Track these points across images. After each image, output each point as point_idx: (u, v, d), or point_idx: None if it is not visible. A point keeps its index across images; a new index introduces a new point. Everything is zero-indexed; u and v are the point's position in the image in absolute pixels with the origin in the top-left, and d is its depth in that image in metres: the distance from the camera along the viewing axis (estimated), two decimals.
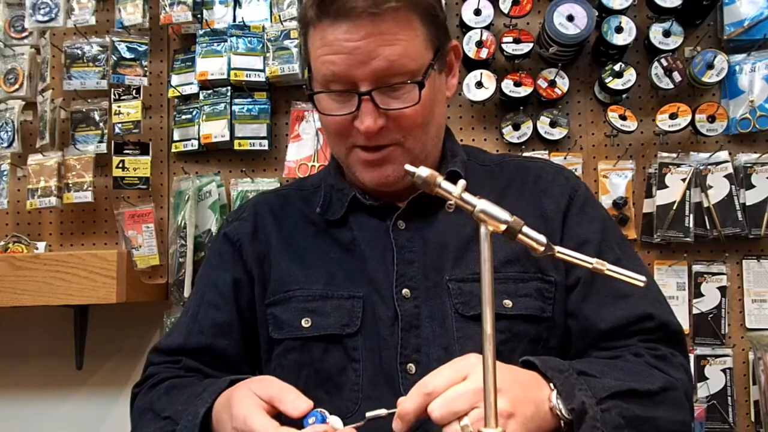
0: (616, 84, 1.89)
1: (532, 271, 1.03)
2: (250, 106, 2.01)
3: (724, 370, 1.90)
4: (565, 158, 1.95)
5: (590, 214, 1.09)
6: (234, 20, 2.04)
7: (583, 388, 0.84)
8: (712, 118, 1.89)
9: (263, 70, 1.98)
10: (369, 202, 1.08)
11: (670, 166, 1.91)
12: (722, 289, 1.92)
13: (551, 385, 0.84)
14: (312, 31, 0.99)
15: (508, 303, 1.00)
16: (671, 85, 1.89)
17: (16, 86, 2.06)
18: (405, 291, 1.02)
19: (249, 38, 2.00)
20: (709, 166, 1.92)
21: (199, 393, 0.95)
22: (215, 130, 1.99)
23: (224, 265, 1.13)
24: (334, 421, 0.84)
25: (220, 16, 2.04)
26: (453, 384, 0.79)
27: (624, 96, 1.96)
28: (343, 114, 0.99)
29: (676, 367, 0.97)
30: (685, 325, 1.92)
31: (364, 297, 1.04)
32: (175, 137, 2.04)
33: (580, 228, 1.06)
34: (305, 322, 1.04)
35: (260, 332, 1.10)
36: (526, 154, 1.94)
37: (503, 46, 1.92)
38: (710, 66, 1.89)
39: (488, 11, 1.93)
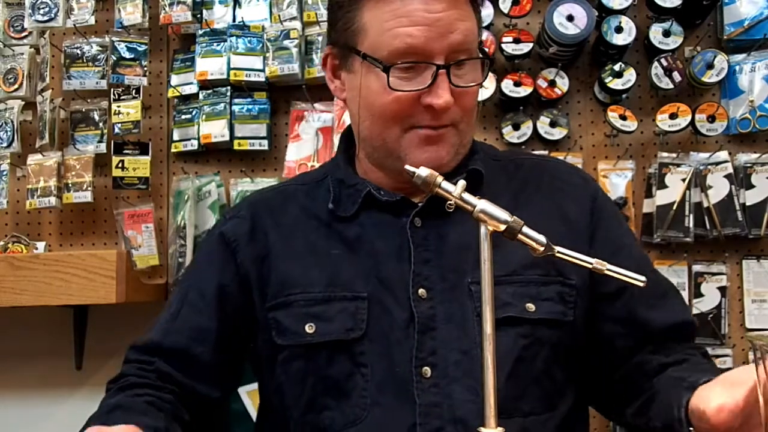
0: (616, 84, 1.89)
1: (553, 274, 1.00)
2: (250, 106, 2.00)
3: (724, 371, 1.89)
4: (565, 158, 1.95)
5: (617, 217, 1.12)
6: (234, 20, 2.03)
7: None
8: (712, 118, 1.89)
9: (263, 70, 1.98)
10: (385, 198, 1.03)
11: (670, 166, 1.91)
12: (722, 289, 1.92)
13: None
14: (370, 4, 0.96)
15: (530, 307, 0.97)
16: (671, 85, 1.89)
17: (16, 86, 2.06)
18: (421, 291, 0.99)
19: (249, 38, 2.00)
20: (709, 166, 1.91)
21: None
22: (215, 130, 1.99)
23: (212, 268, 1.08)
24: None
25: (219, 15, 2.04)
26: None
27: (624, 96, 1.96)
28: (414, 90, 0.94)
29: None
30: None
31: (369, 296, 1.00)
32: (175, 137, 2.04)
33: (610, 233, 1.06)
34: (309, 328, 1.00)
35: (262, 337, 1.06)
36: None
37: (503, 46, 1.92)
38: (710, 66, 1.89)
39: (488, 11, 1.93)
